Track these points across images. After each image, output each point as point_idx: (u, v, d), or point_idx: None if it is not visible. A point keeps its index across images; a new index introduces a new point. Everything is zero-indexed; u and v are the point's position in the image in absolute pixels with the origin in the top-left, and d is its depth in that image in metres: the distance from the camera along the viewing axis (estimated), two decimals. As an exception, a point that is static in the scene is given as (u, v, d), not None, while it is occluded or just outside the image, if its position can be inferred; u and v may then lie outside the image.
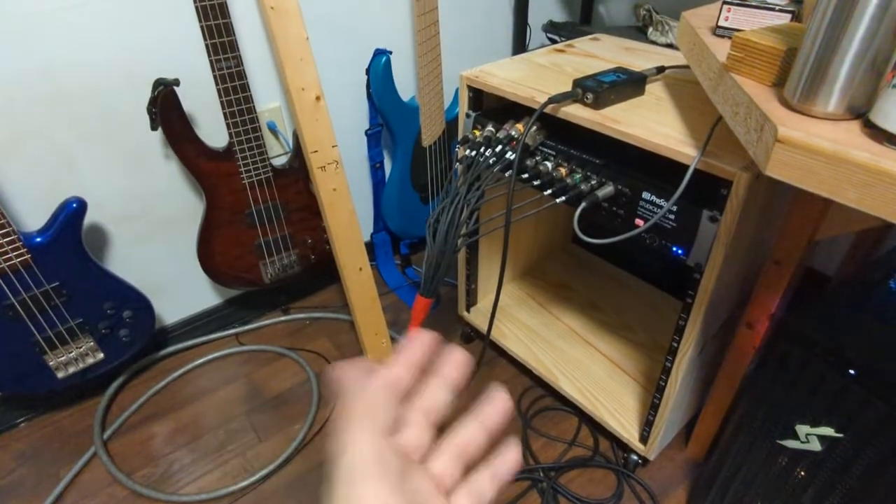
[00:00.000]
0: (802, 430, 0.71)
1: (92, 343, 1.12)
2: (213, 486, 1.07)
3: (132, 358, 1.21)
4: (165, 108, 1.02)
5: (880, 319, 0.69)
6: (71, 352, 1.10)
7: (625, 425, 1.05)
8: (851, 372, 0.64)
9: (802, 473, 0.74)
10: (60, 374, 1.10)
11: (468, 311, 1.33)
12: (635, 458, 1.06)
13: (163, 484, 1.09)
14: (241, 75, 1.04)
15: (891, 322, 0.69)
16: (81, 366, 1.12)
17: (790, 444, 0.74)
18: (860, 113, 0.47)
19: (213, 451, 1.14)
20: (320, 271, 1.38)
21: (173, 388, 1.29)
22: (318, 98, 1.03)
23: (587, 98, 0.81)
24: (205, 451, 1.15)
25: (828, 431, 0.68)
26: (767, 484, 0.80)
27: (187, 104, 1.06)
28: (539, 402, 1.22)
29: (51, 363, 1.08)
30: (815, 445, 0.70)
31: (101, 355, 1.14)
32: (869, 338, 0.68)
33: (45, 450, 1.16)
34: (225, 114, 1.06)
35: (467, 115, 1.00)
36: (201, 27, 0.96)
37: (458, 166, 0.97)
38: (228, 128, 1.08)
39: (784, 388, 0.71)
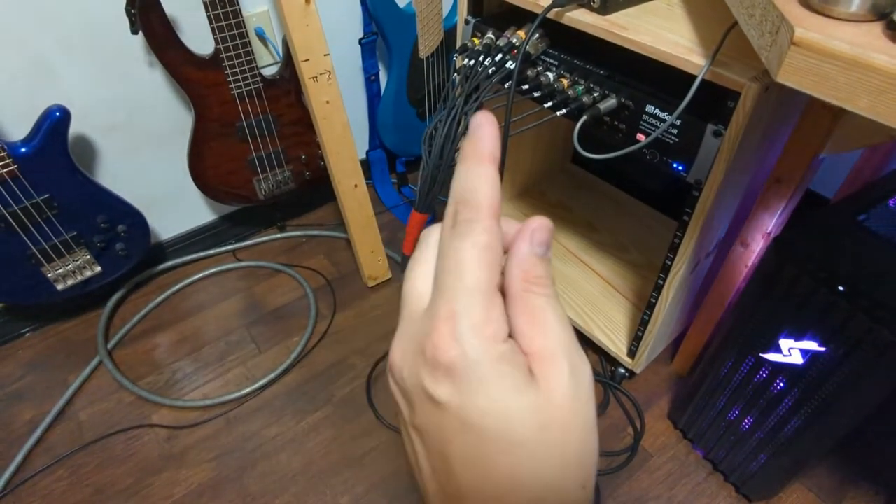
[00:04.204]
0: (786, 343, 0.73)
1: (88, 256, 1.12)
2: (215, 393, 1.12)
3: (130, 272, 1.22)
4: (145, 9, 0.95)
5: (875, 237, 0.69)
6: (68, 264, 1.10)
7: (614, 340, 1.08)
8: (840, 288, 0.65)
9: (781, 385, 0.77)
10: (60, 287, 1.11)
11: (464, 229, 1.33)
12: (622, 371, 1.10)
13: (167, 391, 1.13)
14: (225, -27, 0.97)
15: (885, 241, 0.69)
16: (80, 278, 1.13)
17: (773, 357, 0.76)
18: (885, 13, 0.44)
19: (215, 361, 1.18)
20: (316, 188, 1.36)
21: (173, 302, 1.31)
22: (307, 1, 0.97)
23: (594, 2, 0.76)
24: (206, 360, 1.19)
25: (811, 345, 0.70)
26: (746, 394, 0.84)
27: (169, 6, 0.99)
28: (532, 318, 1.25)
29: (49, 275, 1.09)
30: (797, 358, 0.73)
31: (98, 268, 1.14)
32: (862, 255, 0.68)
33: (52, 358, 1.20)
34: (209, 17, 1.00)
35: (466, 22, 0.95)
36: (178, -84, 0.88)
37: (456, 77, 0.93)
38: (214, 33, 1.02)
39: (772, 303, 0.73)
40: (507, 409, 0.17)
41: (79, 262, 1.12)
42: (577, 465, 0.18)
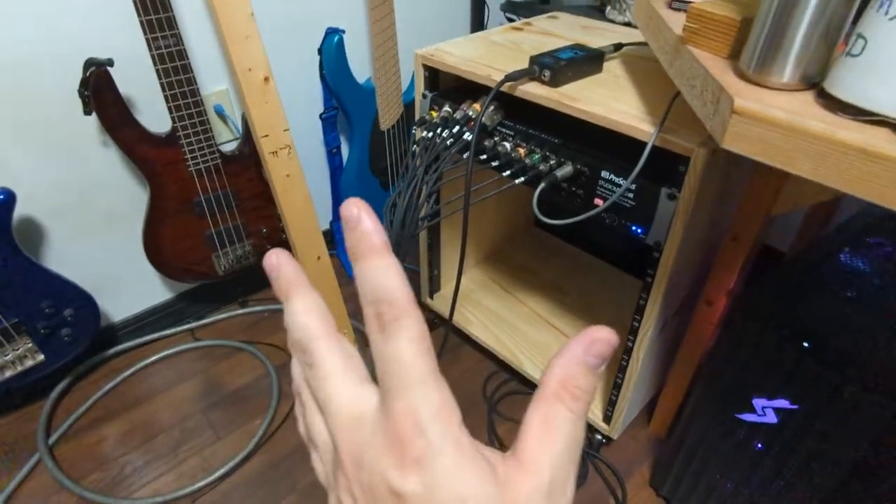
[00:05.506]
0: (759, 403, 0.72)
1: (31, 344, 1.05)
2: (168, 488, 1.03)
3: (77, 358, 1.14)
4: (98, 90, 0.95)
5: (831, 292, 0.70)
6: (7, 354, 1.03)
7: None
8: (805, 344, 0.65)
9: (759, 445, 0.76)
10: (-4, 379, 1.03)
11: (431, 297, 1.31)
12: (599, 437, 1.07)
13: (115, 488, 1.03)
14: (182, 55, 0.98)
15: (841, 294, 0.70)
16: (20, 369, 1.05)
17: (748, 417, 0.75)
18: (814, 83, 0.46)
19: (169, 452, 1.09)
20: (277, 261, 1.33)
21: (124, 388, 1.23)
22: (266, 79, 0.98)
23: (544, 75, 0.79)
24: (159, 451, 1.10)
25: (783, 403, 0.69)
26: (726, 457, 0.81)
27: (124, 86, 0.99)
28: (504, 386, 1.22)
29: (-15, 367, 1.01)
30: (772, 418, 0.71)
31: (41, 357, 1.07)
32: (821, 310, 0.69)
33: (-16, 459, 1.09)
34: (166, 96, 1.00)
35: (424, 96, 0.97)
36: (134, 1, 0.89)
37: (416, 148, 0.94)
38: (171, 111, 1.02)
39: (741, 362, 0.72)
40: (465, 500, 0.18)
41: (19, 352, 1.04)
42: None
